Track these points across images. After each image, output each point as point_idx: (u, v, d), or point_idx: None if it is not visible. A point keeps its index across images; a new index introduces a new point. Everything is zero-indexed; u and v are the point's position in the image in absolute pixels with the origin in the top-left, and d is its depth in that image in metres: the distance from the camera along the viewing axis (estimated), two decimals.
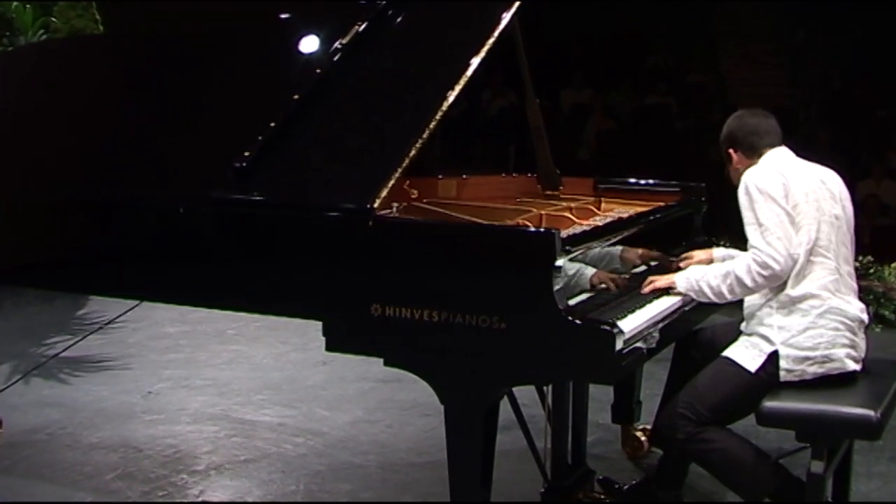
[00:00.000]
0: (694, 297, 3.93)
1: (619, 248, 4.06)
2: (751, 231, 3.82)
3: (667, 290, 3.96)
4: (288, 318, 3.78)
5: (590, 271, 3.73)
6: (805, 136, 11.69)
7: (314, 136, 3.87)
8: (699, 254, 4.36)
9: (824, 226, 3.85)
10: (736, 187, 3.98)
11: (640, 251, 4.23)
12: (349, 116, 3.94)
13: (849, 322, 3.85)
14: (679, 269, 4.19)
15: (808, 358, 3.80)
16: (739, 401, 3.92)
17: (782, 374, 3.80)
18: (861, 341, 3.91)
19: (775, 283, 3.82)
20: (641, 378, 5.02)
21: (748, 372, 3.83)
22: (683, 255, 4.35)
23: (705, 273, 3.92)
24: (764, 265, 3.75)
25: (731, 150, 4.09)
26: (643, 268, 4.24)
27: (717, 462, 3.87)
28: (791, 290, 3.81)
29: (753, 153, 4.05)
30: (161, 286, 4.03)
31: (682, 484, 4.29)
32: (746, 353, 3.86)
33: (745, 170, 3.99)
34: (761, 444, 5.32)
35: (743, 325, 3.98)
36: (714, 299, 3.88)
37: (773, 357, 3.82)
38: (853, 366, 3.85)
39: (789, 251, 3.76)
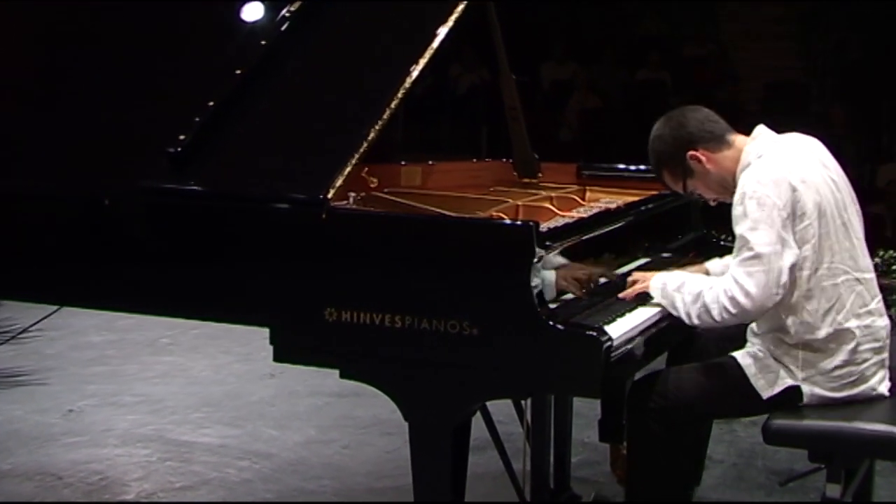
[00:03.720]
0: (667, 307, 3.79)
1: (554, 272, 3.73)
2: (736, 252, 3.67)
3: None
4: (230, 325, 3.79)
5: (550, 274, 3.63)
6: (818, 114, 11.76)
7: (259, 118, 3.87)
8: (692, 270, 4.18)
9: (838, 235, 3.74)
10: (709, 206, 3.93)
11: (577, 273, 3.91)
12: (299, 95, 3.95)
13: (878, 344, 3.80)
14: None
15: (831, 398, 3.75)
16: (729, 412, 3.95)
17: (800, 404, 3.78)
18: (887, 356, 3.86)
19: (744, 322, 3.77)
20: None
21: (757, 395, 3.77)
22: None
23: (682, 284, 3.77)
24: (734, 301, 3.59)
25: (694, 153, 3.84)
26: (626, 268, 4.22)
27: (649, 463, 3.85)
28: (819, 333, 3.70)
29: (721, 142, 3.86)
30: (83, 289, 4.02)
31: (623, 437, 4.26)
32: (761, 375, 3.78)
33: (718, 171, 3.84)
34: (770, 464, 5.39)
35: (757, 340, 3.86)
36: (684, 319, 3.74)
37: (792, 389, 3.75)
38: (883, 390, 3.83)
39: (771, 289, 3.59)
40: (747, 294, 3.59)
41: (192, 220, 3.76)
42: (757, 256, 3.59)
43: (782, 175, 3.67)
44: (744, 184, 3.69)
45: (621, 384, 4.12)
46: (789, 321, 3.72)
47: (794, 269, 3.63)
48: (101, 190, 3.89)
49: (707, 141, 3.85)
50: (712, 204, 3.99)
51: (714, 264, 4.23)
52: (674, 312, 3.77)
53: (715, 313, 3.64)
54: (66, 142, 4.14)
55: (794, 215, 3.65)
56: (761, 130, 3.90)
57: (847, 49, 12.83)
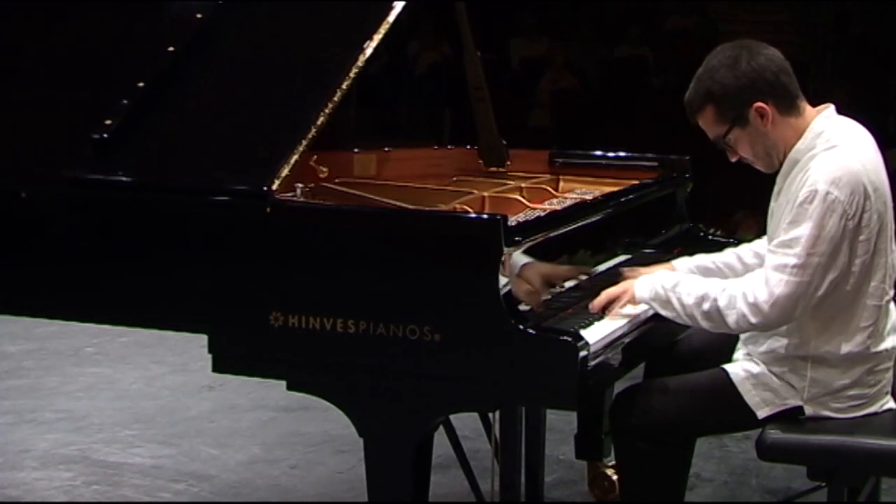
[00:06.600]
0: (658, 308, 3.73)
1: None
2: (777, 250, 3.56)
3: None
4: (163, 332, 3.78)
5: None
6: (817, 95, 11.81)
7: (195, 100, 3.87)
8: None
9: (890, 250, 3.71)
10: (749, 168, 3.78)
11: (551, 271, 3.93)
12: (239, 74, 3.95)
13: (889, 364, 3.79)
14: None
15: (834, 419, 3.72)
16: (719, 429, 3.98)
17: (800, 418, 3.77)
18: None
19: (759, 331, 3.72)
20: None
21: (751, 412, 3.74)
22: (627, 273, 4.02)
23: (677, 283, 3.70)
24: (755, 308, 3.53)
25: (762, 105, 3.64)
26: (603, 267, 4.22)
27: (639, 483, 3.84)
28: (842, 350, 3.66)
29: (792, 105, 3.70)
30: None
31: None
32: (756, 392, 3.74)
33: (776, 136, 3.69)
34: (765, 482, 5.41)
35: (753, 349, 3.81)
36: (684, 320, 3.70)
37: (793, 409, 3.74)
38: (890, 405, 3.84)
39: (801, 303, 3.53)
40: (774, 303, 3.52)
41: (120, 215, 3.76)
42: (803, 265, 3.51)
43: (859, 179, 3.57)
44: (816, 179, 3.54)
45: (599, 395, 4.15)
46: (814, 333, 3.66)
47: (831, 285, 3.56)
48: (18, 181, 3.88)
49: (780, 97, 3.69)
50: (732, 160, 3.80)
51: (681, 263, 4.13)
52: (667, 314, 3.71)
53: (731, 320, 3.58)
54: None
55: (858, 225, 3.57)
56: (832, 111, 3.79)
57: (848, 23, 12.90)
